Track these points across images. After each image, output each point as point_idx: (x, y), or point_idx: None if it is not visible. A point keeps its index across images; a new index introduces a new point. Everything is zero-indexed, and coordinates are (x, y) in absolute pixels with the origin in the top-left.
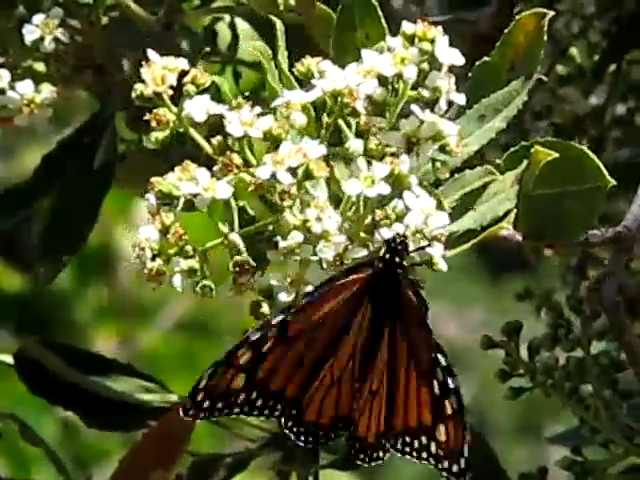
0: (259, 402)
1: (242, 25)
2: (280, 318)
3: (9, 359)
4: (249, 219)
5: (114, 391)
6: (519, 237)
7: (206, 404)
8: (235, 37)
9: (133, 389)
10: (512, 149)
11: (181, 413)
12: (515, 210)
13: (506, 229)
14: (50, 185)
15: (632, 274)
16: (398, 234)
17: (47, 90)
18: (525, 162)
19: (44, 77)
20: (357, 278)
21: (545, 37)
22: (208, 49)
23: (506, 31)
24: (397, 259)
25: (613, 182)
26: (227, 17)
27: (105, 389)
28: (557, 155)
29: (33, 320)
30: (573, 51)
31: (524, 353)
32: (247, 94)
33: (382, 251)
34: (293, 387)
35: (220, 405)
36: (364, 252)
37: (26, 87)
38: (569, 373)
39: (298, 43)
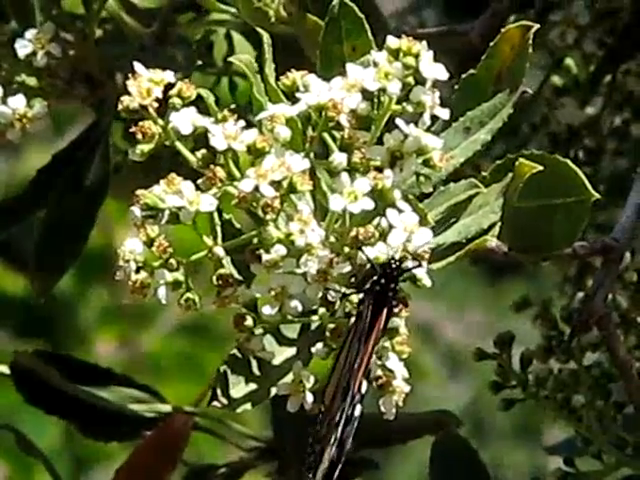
0: None
1: (238, 37)
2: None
3: (3, 368)
4: (235, 232)
5: (109, 401)
6: (505, 249)
7: None
8: (231, 49)
9: (128, 399)
10: (498, 162)
11: None
12: (500, 223)
13: (491, 241)
14: (45, 198)
15: (625, 286)
16: (393, 258)
17: (39, 105)
18: (510, 175)
19: (37, 92)
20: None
21: (531, 49)
22: (200, 62)
23: (492, 44)
24: (392, 285)
25: (597, 196)
26: (222, 29)
27: (100, 399)
28: (541, 168)
29: (34, 322)
30: (568, 62)
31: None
32: (234, 106)
33: (376, 276)
34: None
35: None
36: (348, 267)
37: (18, 102)
38: (561, 384)
39: (290, 55)
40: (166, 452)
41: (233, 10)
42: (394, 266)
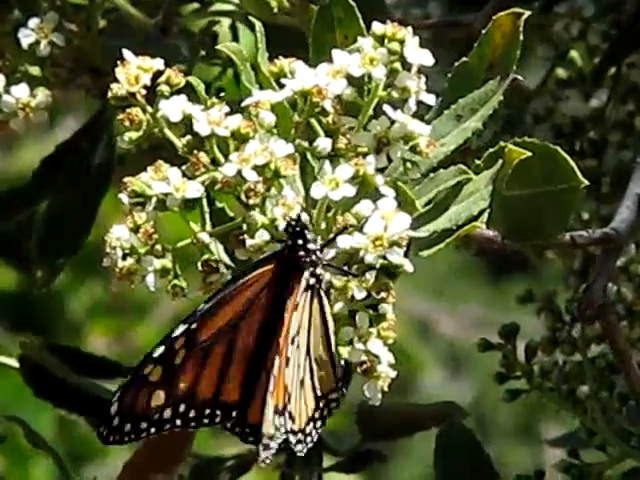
0: (192, 413)
1: (242, 28)
2: (182, 329)
3: (9, 361)
4: (227, 219)
5: None
6: (499, 237)
7: (127, 427)
8: (235, 39)
9: None
10: (490, 149)
11: (101, 440)
12: (489, 209)
13: (481, 229)
14: (49, 188)
15: (630, 278)
16: (291, 218)
17: (42, 94)
18: (500, 161)
19: (40, 81)
20: (264, 271)
21: (521, 37)
22: (204, 52)
23: (484, 31)
24: (299, 241)
25: (586, 182)
26: (227, 20)
27: (108, 392)
28: (529, 154)
29: (28, 317)
30: (573, 54)
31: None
32: (222, 94)
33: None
34: (227, 390)
35: (144, 425)
36: (333, 252)
37: (21, 91)
38: (566, 376)
39: (295, 45)
40: (173, 445)
41: (236, 0)
42: (294, 223)
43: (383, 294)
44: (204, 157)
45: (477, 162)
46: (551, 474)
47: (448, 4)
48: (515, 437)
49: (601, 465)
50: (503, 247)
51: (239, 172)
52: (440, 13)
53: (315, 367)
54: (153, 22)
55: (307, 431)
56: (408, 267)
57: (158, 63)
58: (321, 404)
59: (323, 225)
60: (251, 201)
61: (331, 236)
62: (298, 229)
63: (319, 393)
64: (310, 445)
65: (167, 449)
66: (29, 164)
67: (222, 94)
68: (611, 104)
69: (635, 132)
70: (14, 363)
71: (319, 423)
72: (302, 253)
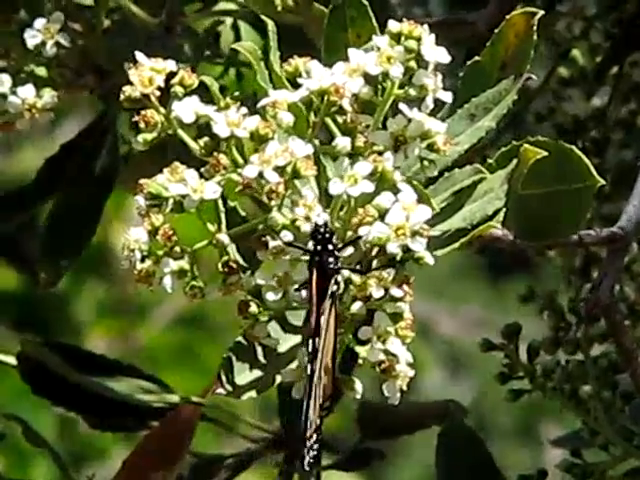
0: None
1: (245, 27)
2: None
3: (8, 359)
4: (240, 220)
5: (117, 392)
6: (511, 237)
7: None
8: (238, 39)
9: (136, 390)
10: (504, 148)
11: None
12: (504, 209)
13: (496, 228)
14: (53, 188)
15: (632, 277)
16: (317, 223)
17: (48, 95)
18: (515, 161)
19: (46, 81)
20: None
21: (535, 36)
22: (208, 52)
23: (497, 30)
24: (330, 247)
25: (602, 182)
26: (229, 19)
27: (108, 390)
28: (545, 154)
29: (30, 318)
30: (575, 53)
31: (524, 354)
32: (237, 94)
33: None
34: None
35: None
36: (350, 250)
37: (27, 92)
38: (568, 375)
39: (298, 44)
40: (173, 443)
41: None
42: (322, 230)
43: (405, 288)
44: (224, 159)
45: (490, 161)
46: (551, 474)
47: (449, 3)
48: (515, 438)
49: (604, 465)
50: (511, 246)
51: (260, 174)
52: (441, 12)
53: (323, 375)
54: (156, 21)
55: (313, 439)
56: (429, 259)
57: (171, 64)
58: (322, 413)
59: (337, 224)
60: (273, 202)
61: (349, 233)
62: (327, 235)
63: (320, 401)
64: (315, 453)
65: (166, 447)
66: (29, 166)
67: (236, 94)
68: (613, 103)
69: (637, 131)
70: (13, 362)
71: (319, 431)
72: (331, 260)
